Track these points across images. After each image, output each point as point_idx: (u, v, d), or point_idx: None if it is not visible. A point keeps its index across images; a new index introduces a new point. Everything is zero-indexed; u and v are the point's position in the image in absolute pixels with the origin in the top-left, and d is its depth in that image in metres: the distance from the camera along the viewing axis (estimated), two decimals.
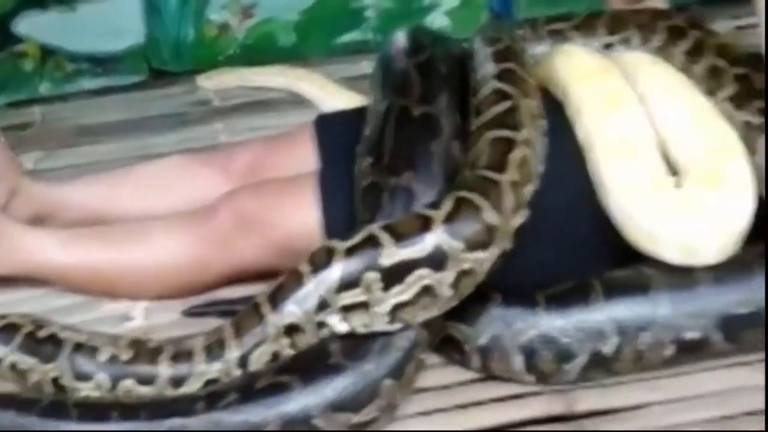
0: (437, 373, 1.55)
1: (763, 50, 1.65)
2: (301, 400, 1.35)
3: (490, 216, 1.42)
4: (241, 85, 2.35)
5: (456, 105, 1.66)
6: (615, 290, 1.54)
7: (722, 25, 2.61)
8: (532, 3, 2.62)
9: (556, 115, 1.71)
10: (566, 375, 1.52)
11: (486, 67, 1.69)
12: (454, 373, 1.54)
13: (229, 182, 1.79)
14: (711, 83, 1.69)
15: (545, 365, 1.52)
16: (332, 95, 2.25)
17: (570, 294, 1.55)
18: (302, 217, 1.65)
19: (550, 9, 2.16)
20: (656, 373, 1.53)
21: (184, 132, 2.17)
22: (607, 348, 1.51)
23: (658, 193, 1.56)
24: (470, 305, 1.51)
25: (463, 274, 1.40)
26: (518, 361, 1.52)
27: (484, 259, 1.42)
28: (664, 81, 1.73)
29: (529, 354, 1.51)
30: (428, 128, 1.58)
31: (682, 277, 1.54)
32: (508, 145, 1.52)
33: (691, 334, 1.51)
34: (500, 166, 1.48)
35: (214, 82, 2.37)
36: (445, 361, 1.57)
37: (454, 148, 1.58)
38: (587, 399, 1.49)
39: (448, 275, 1.39)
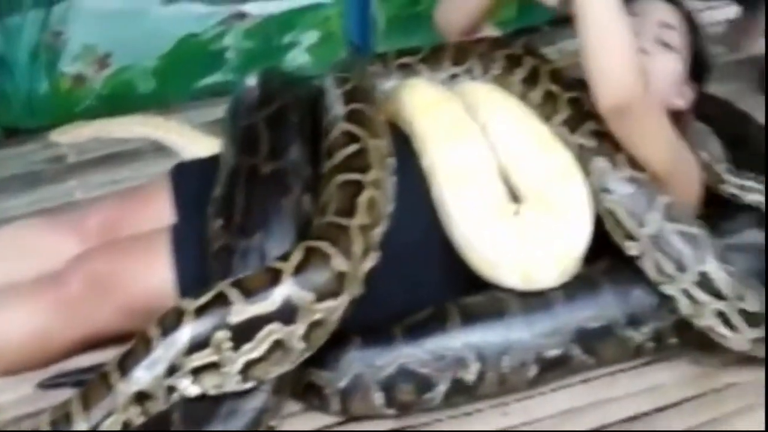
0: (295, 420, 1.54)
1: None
2: None
3: (339, 263, 1.43)
4: (97, 138, 2.29)
5: (307, 155, 1.65)
6: (472, 316, 1.58)
7: (571, 44, 2.73)
8: (390, 35, 2.64)
9: (405, 150, 1.75)
10: (428, 404, 1.55)
11: (336, 109, 1.71)
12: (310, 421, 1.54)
13: (82, 243, 1.73)
14: (547, 109, 1.76)
15: (405, 397, 1.54)
16: (193, 141, 2.23)
17: (427, 323, 1.58)
18: (155, 276, 1.62)
19: (407, 41, 2.19)
20: (514, 396, 1.58)
21: (38, 192, 2.09)
22: (469, 375, 1.55)
23: (498, 221, 1.61)
24: (330, 350, 1.51)
25: (314, 324, 1.40)
26: (378, 398, 1.54)
27: (335, 307, 1.42)
28: (504, 110, 1.79)
29: (389, 388, 1.53)
30: (278, 186, 1.58)
31: (535, 298, 1.60)
32: (357, 188, 1.54)
33: (552, 352, 1.57)
34: (349, 211, 1.50)
35: (69, 137, 2.29)
36: (303, 409, 1.56)
37: (305, 203, 1.58)
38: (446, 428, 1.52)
39: (300, 327, 1.39)
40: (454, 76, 1.94)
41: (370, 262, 1.49)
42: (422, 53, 1.97)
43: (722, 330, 1.58)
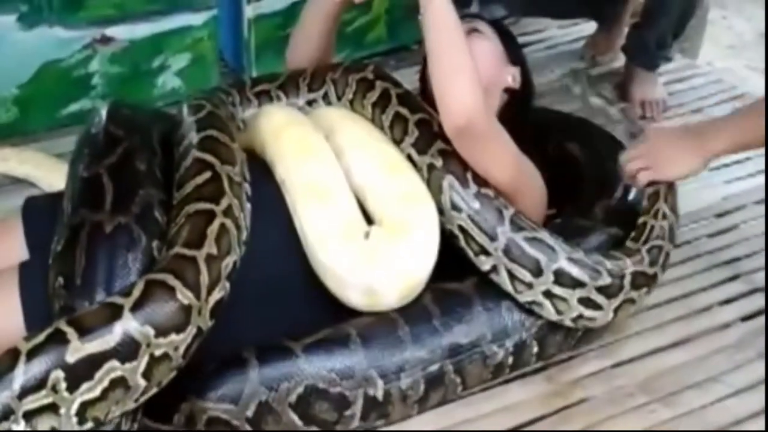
0: None
1: None
2: None
3: (184, 296, 1.40)
4: None
5: (157, 198, 1.58)
6: (369, 335, 1.59)
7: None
8: (263, 57, 2.64)
9: (263, 177, 1.75)
10: (349, 422, 1.56)
11: (189, 137, 1.69)
12: None
13: None
14: (398, 131, 1.79)
15: (324, 415, 1.55)
16: (51, 171, 2.16)
17: (328, 343, 1.57)
18: (3, 316, 1.56)
19: (281, 62, 2.19)
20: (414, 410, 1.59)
21: None
22: (378, 392, 1.57)
23: (346, 241, 1.63)
24: (226, 379, 1.51)
25: (156, 360, 1.37)
26: (295, 418, 1.54)
27: (180, 341, 1.39)
28: (359, 135, 1.82)
29: (303, 408, 1.53)
30: (123, 240, 1.51)
31: (417, 313, 1.63)
32: (207, 217, 1.52)
33: (433, 368, 1.60)
34: (197, 242, 1.47)
35: None
36: None
37: (156, 249, 1.53)
38: None
39: (141, 364, 1.35)
40: (311, 102, 1.96)
41: (218, 293, 1.46)
42: (280, 80, 1.99)
43: (590, 313, 1.65)
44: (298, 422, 1.54)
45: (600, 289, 1.63)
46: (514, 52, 1.94)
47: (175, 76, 2.55)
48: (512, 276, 1.63)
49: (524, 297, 1.64)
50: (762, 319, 1.87)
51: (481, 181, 1.67)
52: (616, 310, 1.67)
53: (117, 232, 1.50)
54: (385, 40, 2.87)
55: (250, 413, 1.52)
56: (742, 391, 1.68)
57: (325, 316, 1.66)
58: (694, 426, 1.60)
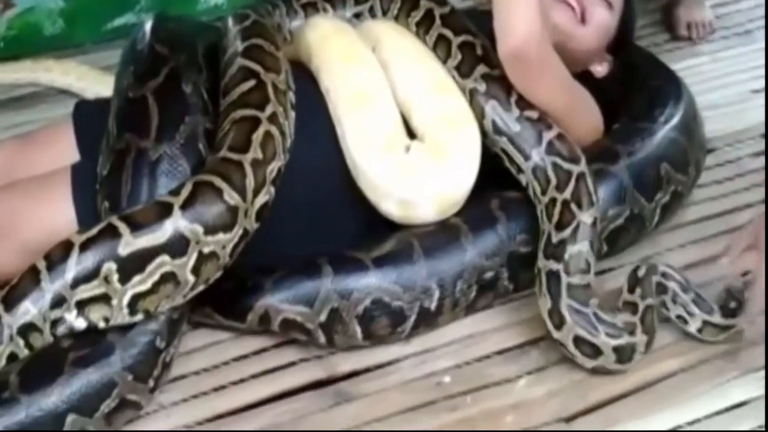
0: (192, 359, 1.53)
1: None
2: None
3: (230, 197, 1.40)
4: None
5: (200, 130, 1.54)
6: (432, 246, 1.58)
7: None
8: None
9: (309, 87, 1.73)
10: (399, 336, 1.57)
11: (234, 46, 1.67)
12: (207, 358, 1.53)
13: None
14: (440, 53, 1.77)
15: (381, 330, 1.55)
16: (95, 82, 2.15)
17: (394, 255, 1.57)
18: (56, 215, 1.57)
19: None
20: (406, 333, 1.57)
21: None
22: (432, 303, 1.57)
23: (385, 151, 1.62)
24: (301, 283, 1.52)
25: (205, 258, 1.38)
26: (357, 331, 1.55)
27: (227, 241, 1.40)
28: (406, 49, 1.79)
29: (366, 322, 1.54)
30: (167, 170, 1.49)
31: (483, 218, 1.62)
32: (252, 123, 1.51)
33: (488, 275, 1.60)
34: (243, 147, 1.47)
35: None
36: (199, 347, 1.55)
37: None
38: (347, 361, 1.53)
39: (190, 260, 1.37)
40: (357, 15, 1.92)
41: (263, 197, 1.46)
42: None
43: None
44: (359, 336, 1.54)
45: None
46: (623, 35, 1.85)
47: None
48: (533, 190, 1.63)
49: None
50: None
51: (524, 105, 1.64)
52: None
53: (161, 160, 1.49)
54: None
55: (323, 318, 1.53)
56: None
57: (369, 225, 1.65)
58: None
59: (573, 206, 1.56)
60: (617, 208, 1.70)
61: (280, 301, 1.52)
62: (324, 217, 1.65)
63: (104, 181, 1.51)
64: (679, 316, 1.56)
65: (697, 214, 1.87)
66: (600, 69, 1.84)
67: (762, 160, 2.08)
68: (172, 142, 1.49)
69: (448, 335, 1.58)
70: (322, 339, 1.54)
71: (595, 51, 1.80)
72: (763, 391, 1.49)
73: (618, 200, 1.70)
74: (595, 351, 1.48)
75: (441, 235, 1.61)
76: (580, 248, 1.53)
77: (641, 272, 1.56)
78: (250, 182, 1.43)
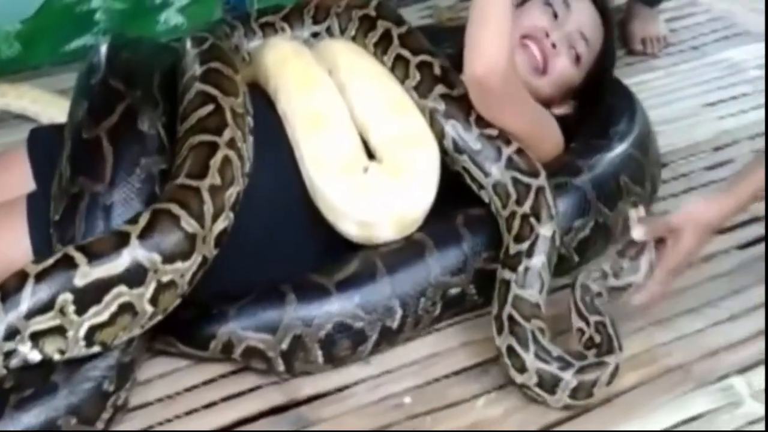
0: (150, 388, 1.51)
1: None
2: None
3: (188, 224, 1.39)
4: None
5: (156, 171, 1.50)
6: (395, 264, 1.58)
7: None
8: None
9: (267, 109, 1.72)
10: (360, 355, 1.56)
11: (192, 69, 1.65)
12: (166, 386, 1.52)
13: None
14: (399, 74, 1.76)
15: (343, 352, 1.55)
16: (49, 105, 2.13)
17: (357, 277, 1.57)
18: (10, 245, 1.54)
19: None
20: (368, 355, 1.57)
21: None
22: (394, 322, 1.57)
23: (345, 173, 1.62)
24: (264, 311, 1.51)
25: (163, 287, 1.36)
26: (319, 356, 1.54)
27: (185, 269, 1.39)
28: (363, 70, 1.79)
29: (328, 346, 1.53)
30: (122, 213, 1.45)
31: (448, 235, 1.62)
32: (210, 149, 1.49)
33: (454, 291, 1.60)
34: (201, 173, 1.46)
35: None
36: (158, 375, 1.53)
37: None
38: (306, 385, 1.52)
39: (148, 290, 1.35)
40: (315, 34, 1.92)
41: (222, 223, 1.45)
42: (284, 12, 1.94)
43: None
44: (320, 360, 1.54)
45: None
46: (594, 83, 1.85)
47: (178, 12, 2.50)
48: (495, 206, 1.64)
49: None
50: (758, 247, 1.85)
51: (483, 123, 1.65)
52: None
53: (116, 205, 1.46)
54: None
55: (284, 346, 1.52)
56: (738, 316, 1.67)
57: (331, 246, 1.65)
58: (690, 348, 1.60)
59: (532, 220, 1.57)
60: (583, 219, 1.73)
61: (243, 329, 1.51)
62: (285, 240, 1.64)
63: (57, 226, 1.47)
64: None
65: None
66: (557, 111, 1.83)
67: (715, 173, 2.11)
68: (127, 186, 1.46)
69: (409, 355, 1.58)
70: (282, 367, 1.53)
71: (551, 100, 1.81)
72: (720, 404, 1.51)
73: (583, 211, 1.73)
74: (522, 366, 1.48)
75: (405, 252, 1.61)
76: (535, 262, 1.54)
77: (584, 301, 1.54)
78: (208, 208, 1.41)
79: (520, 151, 1.64)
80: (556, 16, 1.78)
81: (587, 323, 1.52)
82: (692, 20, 2.71)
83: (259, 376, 1.53)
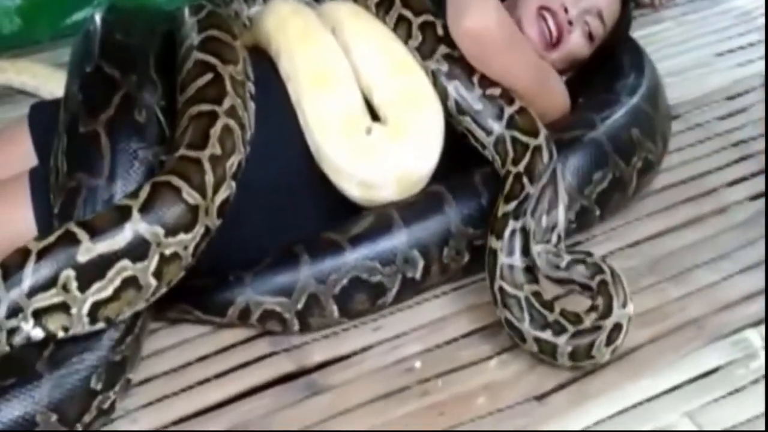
0: (160, 359, 1.49)
1: None
2: None
3: (190, 196, 1.36)
4: None
5: (156, 162, 1.45)
6: (412, 215, 1.57)
7: None
8: None
9: (270, 74, 1.69)
10: (381, 308, 1.56)
11: (190, 38, 1.61)
12: (176, 357, 1.50)
13: None
14: (401, 34, 1.72)
15: (360, 306, 1.54)
16: (48, 80, 2.09)
17: (372, 231, 1.55)
18: (15, 221, 1.52)
19: None
20: (377, 314, 1.56)
21: None
22: (417, 272, 1.56)
23: (347, 133, 1.59)
24: (278, 273, 1.50)
25: (167, 260, 1.34)
26: (334, 311, 1.54)
27: (189, 240, 1.37)
28: (366, 31, 1.74)
29: (344, 300, 1.53)
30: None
31: (466, 188, 1.59)
32: (210, 118, 1.46)
33: (479, 242, 1.57)
34: (201, 143, 1.43)
35: None
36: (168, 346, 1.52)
37: None
38: (317, 352, 1.50)
39: (151, 263, 1.33)
40: None
41: (224, 193, 1.42)
42: None
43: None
44: (336, 315, 1.53)
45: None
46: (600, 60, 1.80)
47: None
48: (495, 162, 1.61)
49: None
50: None
51: (487, 83, 1.62)
52: None
53: (115, 199, 1.41)
54: None
55: (300, 306, 1.51)
56: (750, 268, 1.63)
57: (341, 205, 1.62)
58: (704, 302, 1.56)
59: (525, 179, 1.52)
60: (601, 171, 1.68)
61: (260, 294, 1.50)
62: (295, 203, 1.61)
63: (56, 219, 1.44)
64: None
65: (666, 181, 1.84)
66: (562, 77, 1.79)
67: (729, 122, 2.06)
68: (126, 180, 1.43)
69: (418, 319, 1.55)
70: (297, 326, 1.52)
71: (558, 68, 1.76)
72: (734, 357, 1.47)
73: (601, 164, 1.69)
74: (521, 336, 1.45)
75: (424, 204, 1.58)
76: (522, 225, 1.48)
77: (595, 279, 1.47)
78: (209, 179, 1.39)
79: (522, 110, 1.60)
80: None
81: (591, 290, 1.47)
82: None
83: (268, 344, 1.51)
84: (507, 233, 1.48)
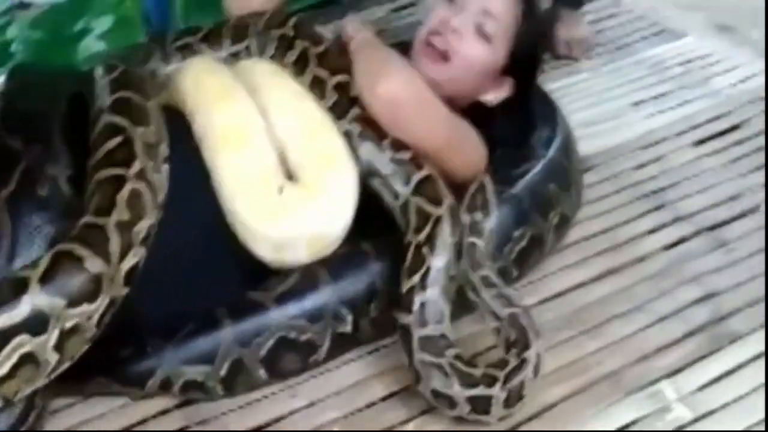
0: None
1: None
2: None
3: (93, 265, 1.30)
4: None
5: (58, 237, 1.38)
6: (338, 271, 1.54)
7: (372, 14, 2.67)
8: (189, 13, 2.51)
9: (184, 134, 1.64)
10: (315, 364, 1.52)
11: (102, 99, 1.57)
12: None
13: None
14: (316, 94, 1.70)
15: (291, 365, 1.50)
16: None
17: (298, 288, 1.52)
18: None
19: (207, 17, 2.07)
20: (297, 379, 1.52)
21: None
22: (347, 327, 1.52)
23: (259, 193, 1.56)
24: (200, 339, 1.45)
25: (68, 333, 1.27)
26: (262, 374, 1.49)
27: (92, 311, 1.30)
28: (282, 91, 1.73)
29: (273, 362, 1.48)
30: None
31: (388, 241, 1.57)
32: (117, 183, 1.41)
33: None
34: (107, 209, 1.37)
35: None
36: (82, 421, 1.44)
37: None
38: (232, 423, 1.45)
39: (51, 337, 1.26)
40: (234, 55, 1.84)
41: (132, 259, 1.37)
42: (202, 32, 1.86)
43: None
44: (264, 377, 1.48)
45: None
46: (522, 53, 1.75)
47: (99, 39, 2.41)
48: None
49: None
50: (684, 246, 1.82)
51: (398, 146, 1.59)
52: None
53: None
54: None
55: (223, 372, 1.46)
56: (664, 318, 1.63)
57: (258, 272, 1.57)
58: (620, 355, 1.55)
59: (425, 249, 1.50)
60: (521, 228, 1.68)
61: (181, 364, 1.45)
62: (214, 265, 1.56)
63: None
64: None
65: (581, 233, 1.84)
66: (491, 98, 1.76)
67: (642, 172, 2.08)
68: (28, 258, 1.34)
69: (335, 383, 1.51)
70: (222, 393, 1.47)
71: (474, 88, 1.74)
72: (648, 411, 1.46)
73: (521, 221, 1.69)
74: (450, 403, 1.42)
75: (348, 259, 1.56)
76: (430, 295, 1.46)
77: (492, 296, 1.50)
78: (114, 246, 1.33)
79: (429, 178, 1.57)
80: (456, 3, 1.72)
81: (499, 319, 1.48)
82: (616, 20, 2.68)
83: (183, 416, 1.45)
84: (416, 306, 1.46)
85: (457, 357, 1.43)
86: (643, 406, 1.47)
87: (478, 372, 1.41)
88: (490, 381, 1.40)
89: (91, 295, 1.29)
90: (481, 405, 1.40)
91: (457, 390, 1.40)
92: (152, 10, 2.62)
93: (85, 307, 1.28)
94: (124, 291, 1.36)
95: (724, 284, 1.72)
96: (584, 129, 2.14)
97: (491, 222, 1.61)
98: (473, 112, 1.77)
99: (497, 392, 1.39)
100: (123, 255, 1.34)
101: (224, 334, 1.46)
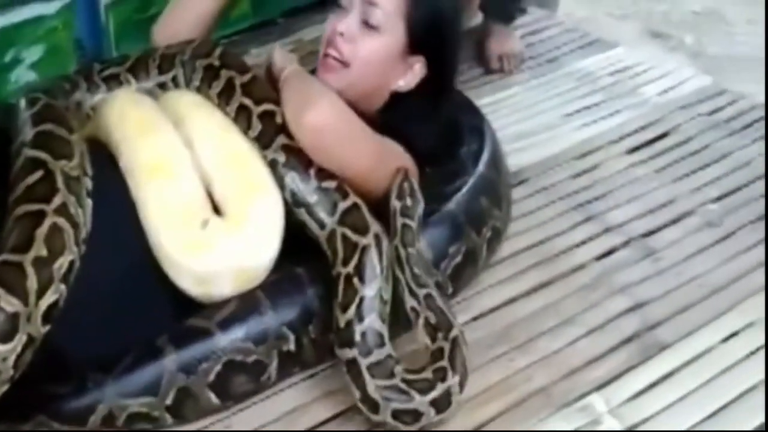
0: None
1: None
2: None
3: (8, 303, 1.24)
4: None
5: None
6: (276, 294, 1.51)
7: (308, 33, 2.65)
8: (123, 39, 2.46)
9: (108, 168, 1.60)
10: (266, 384, 1.50)
11: (23, 134, 1.51)
12: None
13: None
14: (241, 124, 1.67)
15: (242, 387, 1.47)
16: None
17: (241, 312, 1.48)
18: None
19: (141, 43, 2.03)
20: (231, 410, 1.48)
21: None
22: (290, 345, 1.50)
23: (183, 227, 1.52)
24: (142, 370, 1.41)
25: None
26: (211, 398, 1.45)
27: (8, 351, 1.24)
28: (207, 122, 1.69)
29: (222, 386, 1.45)
30: None
31: (322, 266, 1.55)
32: (36, 219, 1.36)
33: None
34: (24, 246, 1.32)
35: None
36: None
37: None
38: None
39: None
40: (161, 85, 1.80)
41: (51, 296, 1.31)
42: (129, 62, 1.82)
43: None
44: (215, 401, 1.45)
45: None
46: (421, 28, 1.69)
47: (30, 69, 2.32)
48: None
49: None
50: (614, 256, 1.82)
51: (323, 175, 1.57)
52: None
53: None
54: (250, 16, 2.69)
55: (169, 401, 1.42)
56: (593, 331, 1.63)
57: (187, 302, 1.53)
58: (550, 370, 1.54)
59: (355, 280, 1.48)
60: (456, 245, 1.67)
61: (123, 397, 1.41)
62: (146, 298, 1.52)
63: None
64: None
65: (513, 247, 1.83)
66: (404, 83, 1.72)
67: (574, 184, 2.07)
68: None
69: (272, 412, 1.48)
70: (170, 421, 1.43)
71: (385, 78, 1.70)
72: (578, 425, 1.45)
73: (455, 237, 1.67)
74: (415, 415, 1.41)
75: (285, 282, 1.53)
76: (369, 323, 1.44)
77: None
78: (32, 283, 1.28)
79: (355, 206, 1.55)
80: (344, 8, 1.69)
81: (418, 300, 1.49)
82: (547, 33, 2.70)
83: None
84: (358, 338, 1.44)
85: (407, 370, 1.43)
86: (574, 420, 1.46)
87: (428, 374, 1.41)
88: (442, 375, 1.42)
89: (6, 335, 1.24)
90: (444, 401, 1.41)
91: (418, 400, 1.40)
92: (86, 38, 2.58)
93: (1, 348, 1.23)
94: (44, 329, 1.30)
95: (652, 294, 1.72)
96: (517, 142, 2.15)
97: (421, 207, 1.60)
98: (398, 106, 1.74)
99: (451, 381, 1.41)
100: (41, 292, 1.29)
101: (167, 363, 1.43)
